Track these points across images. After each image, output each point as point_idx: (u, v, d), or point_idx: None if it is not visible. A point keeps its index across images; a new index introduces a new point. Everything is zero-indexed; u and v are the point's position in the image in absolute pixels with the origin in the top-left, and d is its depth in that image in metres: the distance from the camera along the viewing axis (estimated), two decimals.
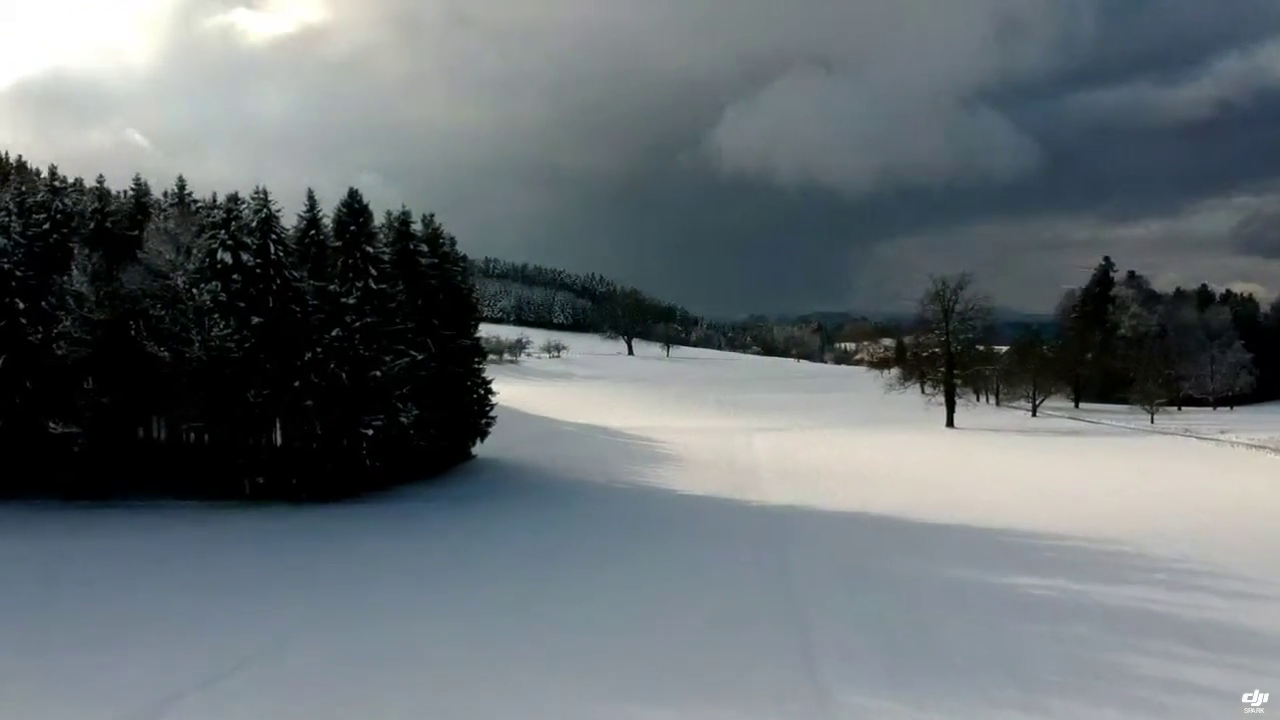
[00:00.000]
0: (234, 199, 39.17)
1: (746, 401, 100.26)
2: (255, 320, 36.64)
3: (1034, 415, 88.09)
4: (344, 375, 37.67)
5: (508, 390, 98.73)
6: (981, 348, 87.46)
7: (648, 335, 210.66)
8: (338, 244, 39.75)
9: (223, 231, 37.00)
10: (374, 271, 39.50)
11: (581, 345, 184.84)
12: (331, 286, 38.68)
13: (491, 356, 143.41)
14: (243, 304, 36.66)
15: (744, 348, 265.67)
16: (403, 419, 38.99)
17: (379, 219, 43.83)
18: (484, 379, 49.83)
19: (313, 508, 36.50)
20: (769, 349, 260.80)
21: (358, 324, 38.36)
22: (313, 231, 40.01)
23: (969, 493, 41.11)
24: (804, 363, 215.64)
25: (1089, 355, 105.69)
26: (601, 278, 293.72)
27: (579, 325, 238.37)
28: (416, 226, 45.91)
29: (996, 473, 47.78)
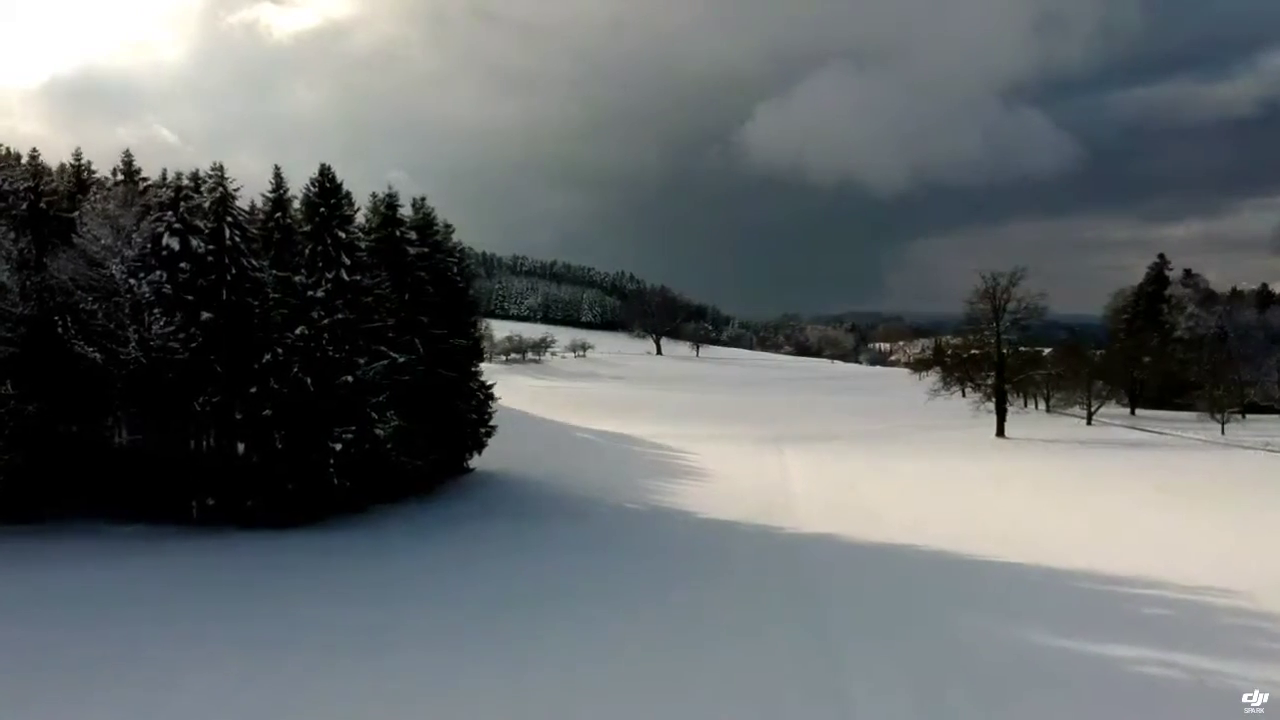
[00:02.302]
0: (195, 177, 34.30)
1: (777, 406, 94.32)
2: (205, 316, 31.57)
3: (1089, 423, 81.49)
4: (309, 380, 32.52)
5: (526, 392, 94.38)
6: (1024, 349, 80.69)
7: (677, 334, 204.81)
8: (306, 229, 34.58)
9: (170, 213, 31.96)
10: (347, 260, 34.29)
11: (609, 344, 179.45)
12: (297, 278, 33.57)
13: (514, 356, 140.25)
14: (191, 297, 31.61)
15: (776, 348, 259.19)
16: (378, 431, 33.76)
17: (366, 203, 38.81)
18: (483, 384, 44.52)
19: (266, 535, 31.31)
20: (802, 349, 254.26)
21: (326, 321, 33.20)
22: (278, 214, 34.90)
23: (1035, 522, 35.20)
24: (838, 364, 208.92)
25: (1146, 359, 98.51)
26: (631, 275, 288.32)
27: (607, 324, 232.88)
28: (405, 211, 40.73)
29: (1062, 495, 41.75)
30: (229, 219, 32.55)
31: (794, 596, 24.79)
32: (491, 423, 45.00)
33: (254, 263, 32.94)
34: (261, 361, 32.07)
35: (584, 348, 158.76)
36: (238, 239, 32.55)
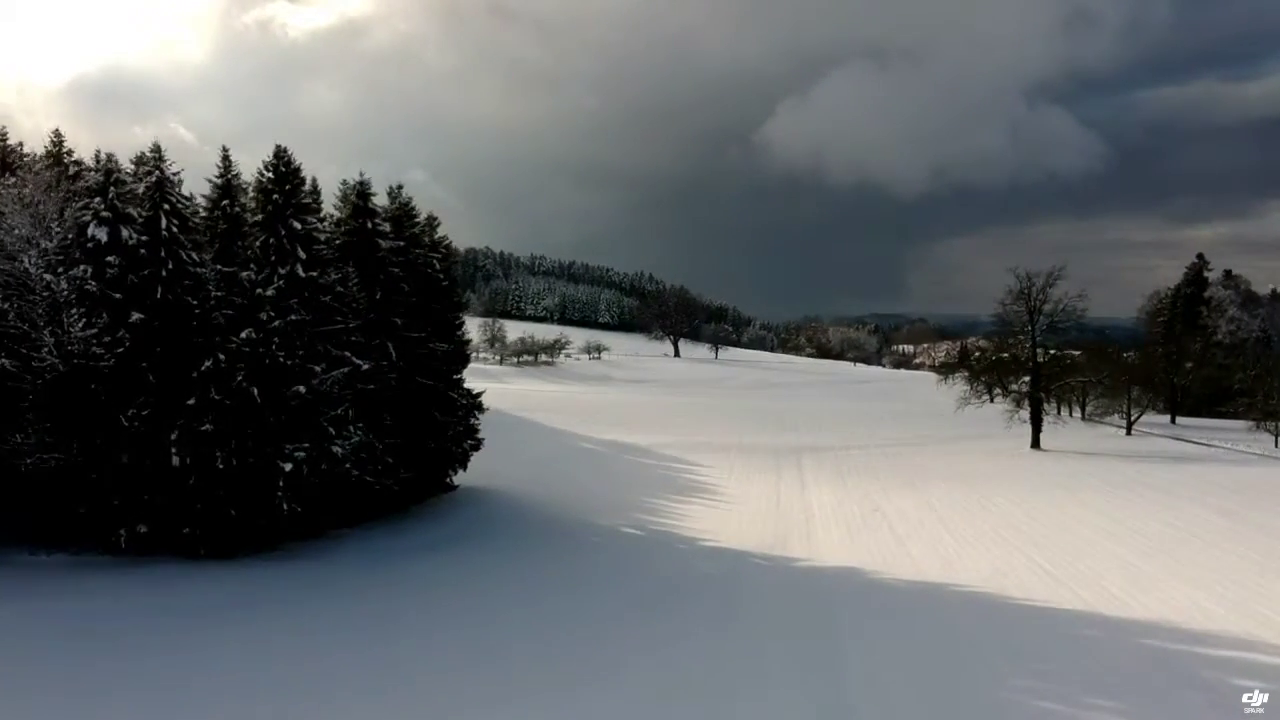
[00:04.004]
0: (140, 160, 30.39)
1: (797, 412, 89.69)
2: (135, 317, 27.53)
3: (1128, 433, 76.45)
4: (255, 390, 28.43)
5: (533, 397, 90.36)
6: (1057, 353, 75.53)
7: (696, 335, 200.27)
8: (258, 219, 30.51)
9: (98, 199, 27.97)
10: (304, 254, 30.19)
11: (625, 346, 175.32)
12: (245, 273, 29.49)
13: (526, 358, 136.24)
14: (119, 295, 27.60)
15: (797, 349, 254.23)
16: (336, 447, 29.62)
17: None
18: (467, 391, 40.31)
19: (200, 568, 27.32)
20: (824, 351, 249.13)
21: (277, 323, 29.11)
22: (226, 202, 30.85)
23: (1085, 553, 30.54)
24: (861, 366, 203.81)
25: (1189, 364, 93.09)
26: (651, 276, 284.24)
27: (624, 325, 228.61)
28: (380, 200, 36.62)
29: (1111, 519, 36.99)
30: (166, 206, 28.52)
31: (810, 654, 20.48)
32: (479, 434, 40.81)
33: (195, 256, 28.89)
34: (201, 369, 28.02)
35: (599, 349, 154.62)
36: (176, 229, 28.51)
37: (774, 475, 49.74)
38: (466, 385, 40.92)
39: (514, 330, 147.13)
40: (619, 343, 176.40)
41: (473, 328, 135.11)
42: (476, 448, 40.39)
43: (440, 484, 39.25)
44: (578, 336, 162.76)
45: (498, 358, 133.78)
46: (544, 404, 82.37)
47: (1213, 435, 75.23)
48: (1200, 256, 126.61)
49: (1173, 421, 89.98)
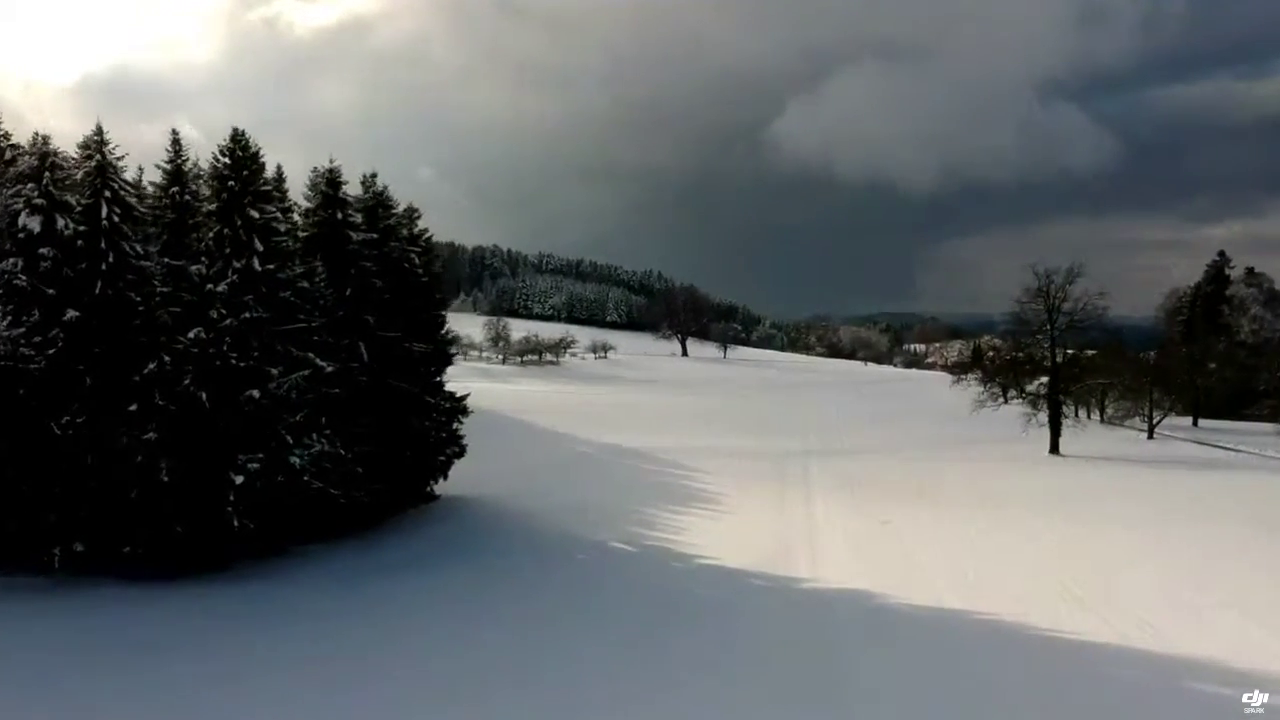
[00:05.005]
0: (88, 145, 27.85)
1: (806, 413, 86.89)
2: (70, 315, 25.01)
3: (1150, 437, 73.47)
4: (204, 395, 25.93)
5: (534, 397, 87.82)
6: (1075, 353, 72.47)
7: (705, 334, 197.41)
8: (212, 208, 27.97)
9: (31, 185, 25.49)
10: (261, 246, 27.62)
11: (633, 345, 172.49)
12: (195, 267, 26.99)
13: (529, 357, 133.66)
14: (53, 291, 25.10)
15: (808, 348, 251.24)
16: (294, 458, 27.06)
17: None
18: (450, 395, 37.73)
19: (147, 590, 24.85)
20: (834, 350, 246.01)
21: (230, 321, 26.57)
22: (175, 189, 28.34)
23: (1126, 580, 27.64)
24: (872, 366, 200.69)
25: (1212, 365, 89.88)
26: (659, 274, 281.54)
27: (632, 324, 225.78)
28: (352, 189, 34.10)
29: (1144, 534, 34.20)
30: (108, 193, 26.03)
31: (813, 701, 17.84)
32: (463, 440, 38.18)
33: (140, 248, 26.39)
34: (144, 372, 25.54)
35: (605, 349, 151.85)
36: (118, 218, 26.02)
37: (779, 482, 47.02)
38: (450, 388, 38.39)
39: (521, 329, 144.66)
40: (626, 342, 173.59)
41: (477, 326, 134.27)
42: (459, 455, 37.78)
43: (419, 494, 36.68)
44: (585, 335, 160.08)
45: (501, 357, 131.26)
46: (543, 405, 79.77)
47: (1238, 439, 72.11)
48: (1222, 254, 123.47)
49: (1195, 424, 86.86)
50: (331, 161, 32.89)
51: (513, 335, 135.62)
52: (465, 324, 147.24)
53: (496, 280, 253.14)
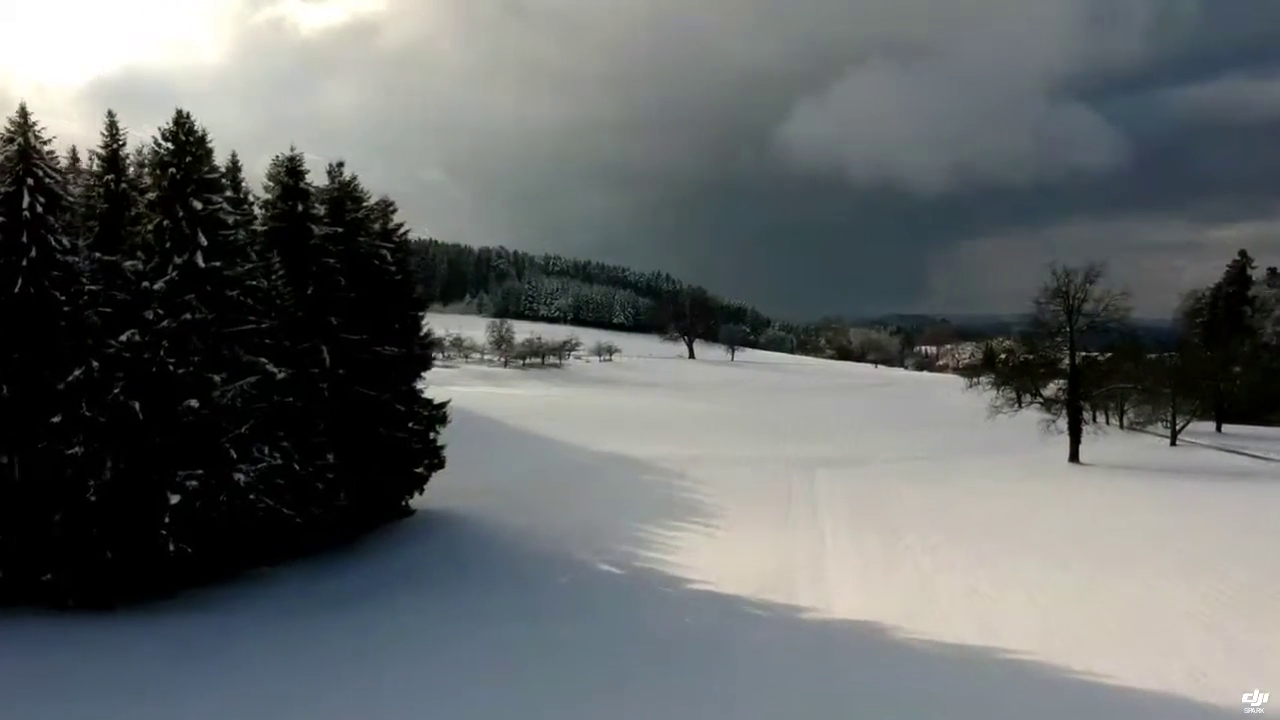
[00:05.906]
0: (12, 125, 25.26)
1: (814, 419, 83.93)
2: None
3: (1174, 444, 70.33)
4: (138, 405, 23.30)
5: (532, 402, 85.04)
6: (1093, 355, 69.44)
7: (713, 336, 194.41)
8: (151, 197, 25.33)
9: None
10: (205, 240, 24.96)
11: (639, 347, 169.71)
12: (129, 263, 24.37)
13: (532, 360, 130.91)
14: None
15: (817, 351, 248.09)
16: (239, 474, 24.39)
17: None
18: (427, 402, 35.05)
19: (70, 623, 22.28)
20: (844, 353, 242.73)
21: (168, 323, 23.94)
22: (110, 177, 25.72)
23: (1164, 610, 24.77)
24: (883, 368, 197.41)
25: (1236, 368, 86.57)
26: (667, 276, 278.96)
27: (640, 326, 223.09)
28: (317, 180, 31.46)
29: (1179, 554, 31.24)
30: (31, 181, 23.44)
31: None
32: (441, 451, 35.53)
33: (67, 242, 23.79)
34: (69, 379, 22.92)
35: (610, 351, 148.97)
36: (42, 208, 23.42)
37: (784, 495, 44.16)
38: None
39: (526, 331, 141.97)
40: (633, 344, 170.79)
41: (481, 328, 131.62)
42: (437, 466, 35.12)
43: (392, 509, 34.00)
44: (591, 337, 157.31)
45: (503, 360, 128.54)
46: (541, 410, 76.92)
47: (1266, 446, 68.77)
48: (1243, 253, 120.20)
49: (1218, 430, 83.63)
50: (292, 149, 30.31)
51: (517, 337, 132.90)
52: (470, 326, 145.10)
53: (503, 282, 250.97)
